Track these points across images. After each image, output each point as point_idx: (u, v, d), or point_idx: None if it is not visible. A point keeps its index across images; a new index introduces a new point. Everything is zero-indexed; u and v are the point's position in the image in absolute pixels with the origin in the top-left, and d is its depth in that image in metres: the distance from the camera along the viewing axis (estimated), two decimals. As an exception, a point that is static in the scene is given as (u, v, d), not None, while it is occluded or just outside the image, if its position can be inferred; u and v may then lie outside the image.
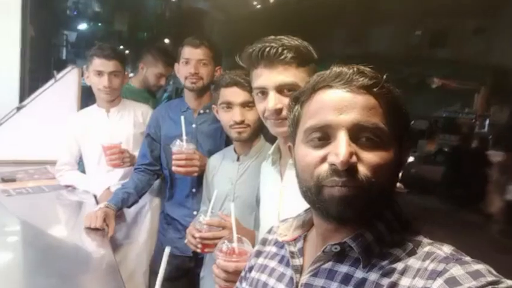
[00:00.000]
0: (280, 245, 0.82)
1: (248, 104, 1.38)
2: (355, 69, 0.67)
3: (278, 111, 1.04)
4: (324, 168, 0.64)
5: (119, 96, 2.11)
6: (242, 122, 1.39)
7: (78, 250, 1.55)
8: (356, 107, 0.64)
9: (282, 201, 1.12)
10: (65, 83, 2.62)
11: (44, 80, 2.83)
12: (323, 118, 0.65)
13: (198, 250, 1.30)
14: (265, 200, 1.24)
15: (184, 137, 1.61)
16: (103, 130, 2.04)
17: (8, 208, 1.83)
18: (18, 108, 2.56)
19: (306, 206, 0.83)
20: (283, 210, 1.11)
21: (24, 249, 1.54)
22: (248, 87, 1.32)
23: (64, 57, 6.58)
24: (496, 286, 0.52)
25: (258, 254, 0.87)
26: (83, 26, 8.61)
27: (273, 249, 0.84)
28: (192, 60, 1.73)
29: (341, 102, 0.65)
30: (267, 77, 1.05)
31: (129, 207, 1.84)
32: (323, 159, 0.64)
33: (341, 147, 0.62)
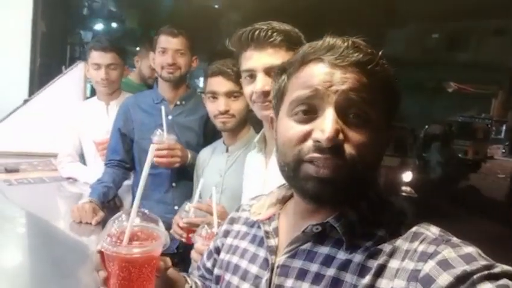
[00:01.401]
0: (251, 224, 0.78)
1: (233, 94, 1.36)
2: (350, 42, 0.62)
3: (266, 94, 1.04)
4: (308, 144, 0.61)
5: (119, 89, 2.10)
6: (226, 111, 1.38)
7: (73, 238, 1.56)
8: (347, 81, 0.60)
9: (264, 188, 1.10)
10: (72, 77, 2.63)
11: (55, 76, 2.87)
12: (311, 89, 0.62)
13: (183, 239, 1.28)
14: (248, 188, 1.22)
15: (165, 128, 1.56)
16: (102, 123, 2.03)
17: (7, 197, 1.84)
18: (25, 101, 2.59)
19: None
20: None
21: (21, 236, 1.56)
22: (234, 77, 1.31)
23: (78, 55, 6.68)
24: (492, 271, 0.50)
25: (226, 233, 0.83)
26: (99, 26, 8.77)
27: (243, 228, 0.80)
28: (169, 49, 1.68)
29: (331, 77, 0.61)
30: (256, 58, 1.04)
31: (109, 201, 1.80)
32: (307, 135, 0.61)
33: (327, 124, 0.59)
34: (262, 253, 0.71)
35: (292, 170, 0.63)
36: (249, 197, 1.19)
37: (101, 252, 0.69)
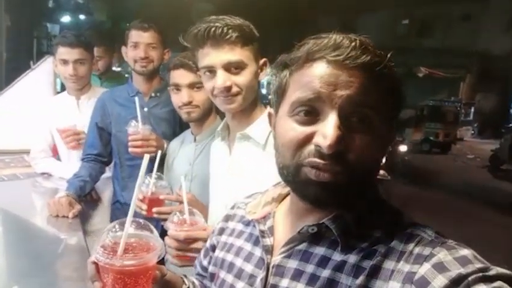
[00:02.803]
0: (247, 222, 0.76)
1: (196, 85, 1.39)
2: (357, 42, 0.58)
3: (227, 89, 1.07)
4: (309, 148, 0.58)
5: (89, 84, 2.07)
6: (190, 103, 1.41)
7: (50, 233, 1.54)
8: (352, 85, 0.57)
9: (230, 174, 1.14)
10: (41, 72, 2.57)
11: (24, 71, 2.80)
12: (314, 91, 0.58)
13: (144, 212, 1.31)
14: (214, 175, 1.26)
15: (140, 118, 1.58)
16: (73, 118, 2.00)
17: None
18: (-6, 98, 2.52)
19: (253, 177, 0.81)
20: (231, 182, 1.12)
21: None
22: (195, 69, 1.32)
23: (46, 49, 6.49)
24: (486, 273, 0.50)
25: (221, 231, 0.81)
26: (66, 19, 8.51)
27: (239, 226, 0.78)
28: (140, 44, 1.70)
29: (336, 79, 0.57)
30: (214, 56, 1.07)
31: (86, 196, 1.81)
32: (308, 138, 0.59)
33: (328, 129, 0.56)
34: (257, 252, 0.70)
35: (292, 174, 0.61)
36: (216, 184, 1.22)
37: (95, 263, 0.67)
